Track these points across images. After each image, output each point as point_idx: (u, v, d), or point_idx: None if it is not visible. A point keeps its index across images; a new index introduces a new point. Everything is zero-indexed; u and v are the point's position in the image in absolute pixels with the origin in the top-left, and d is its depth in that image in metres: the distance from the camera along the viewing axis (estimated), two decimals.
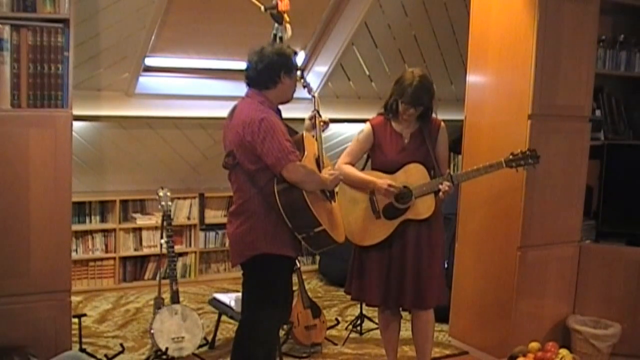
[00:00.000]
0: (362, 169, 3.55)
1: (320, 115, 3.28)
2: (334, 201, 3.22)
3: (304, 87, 3.39)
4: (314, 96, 3.38)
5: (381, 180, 3.36)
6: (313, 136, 3.22)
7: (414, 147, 3.42)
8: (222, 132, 3.13)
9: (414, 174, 3.38)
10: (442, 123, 3.49)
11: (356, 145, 3.51)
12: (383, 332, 3.68)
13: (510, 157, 3.41)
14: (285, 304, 3.18)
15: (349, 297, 3.43)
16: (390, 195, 3.34)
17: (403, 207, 3.36)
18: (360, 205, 3.44)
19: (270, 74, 2.99)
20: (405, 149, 3.42)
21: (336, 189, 3.28)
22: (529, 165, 3.43)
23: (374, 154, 3.50)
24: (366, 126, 3.50)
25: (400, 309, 3.60)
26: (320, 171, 3.08)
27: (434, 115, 3.45)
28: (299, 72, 3.15)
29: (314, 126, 3.26)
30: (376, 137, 3.46)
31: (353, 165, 3.50)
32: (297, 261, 3.28)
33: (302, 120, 3.34)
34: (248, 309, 3.11)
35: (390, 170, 3.41)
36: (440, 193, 3.34)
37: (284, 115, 3.13)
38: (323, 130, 3.28)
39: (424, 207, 3.36)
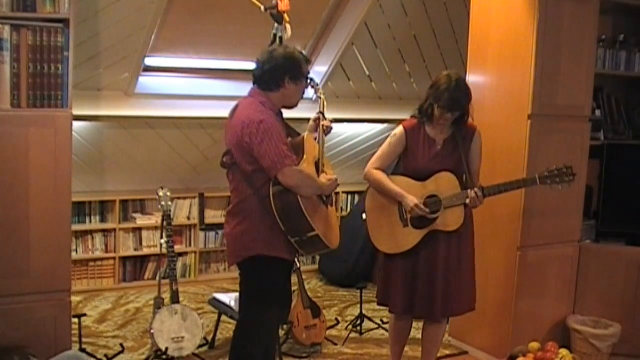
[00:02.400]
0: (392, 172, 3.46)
1: (325, 118, 3.19)
2: (331, 206, 3.14)
3: (312, 87, 3.26)
4: (320, 97, 3.28)
5: (410, 197, 3.25)
6: (315, 138, 3.16)
7: (446, 154, 3.32)
8: (223, 132, 3.11)
9: (445, 184, 3.29)
10: (478, 129, 3.37)
11: (388, 149, 3.39)
12: (394, 337, 3.60)
13: (546, 173, 3.31)
14: (283, 305, 3.16)
15: (349, 297, 3.42)
16: (416, 213, 3.26)
17: (432, 216, 3.28)
18: (388, 212, 3.35)
19: (275, 76, 2.93)
20: (438, 155, 3.32)
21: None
22: (564, 184, 3.32)
23: (406, 158, 3.39)
24: (399, 129, 3.38)
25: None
26: (319, 175, 3.03)
27: (470, 120, 3.34)
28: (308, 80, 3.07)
29: (317, 128, 3.19)
30: (409, 142, 3.35)
31: (383, 170, 3.39)
32: (297, 261, 3.25)
33: (305, 120, 3.28)
34: (244, 309, 3.10)
35: (421, 176, 3.32)
36: (468, 200, 3.23)
37: (288, 115, 3.11)
38: (326, 134, 3.18)
39: (452, 219, 3.28)
